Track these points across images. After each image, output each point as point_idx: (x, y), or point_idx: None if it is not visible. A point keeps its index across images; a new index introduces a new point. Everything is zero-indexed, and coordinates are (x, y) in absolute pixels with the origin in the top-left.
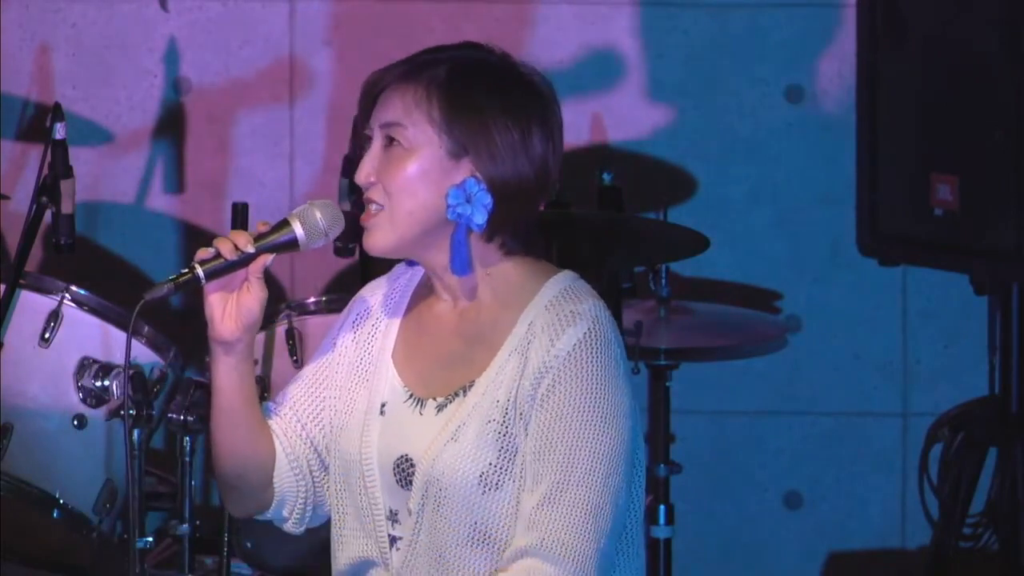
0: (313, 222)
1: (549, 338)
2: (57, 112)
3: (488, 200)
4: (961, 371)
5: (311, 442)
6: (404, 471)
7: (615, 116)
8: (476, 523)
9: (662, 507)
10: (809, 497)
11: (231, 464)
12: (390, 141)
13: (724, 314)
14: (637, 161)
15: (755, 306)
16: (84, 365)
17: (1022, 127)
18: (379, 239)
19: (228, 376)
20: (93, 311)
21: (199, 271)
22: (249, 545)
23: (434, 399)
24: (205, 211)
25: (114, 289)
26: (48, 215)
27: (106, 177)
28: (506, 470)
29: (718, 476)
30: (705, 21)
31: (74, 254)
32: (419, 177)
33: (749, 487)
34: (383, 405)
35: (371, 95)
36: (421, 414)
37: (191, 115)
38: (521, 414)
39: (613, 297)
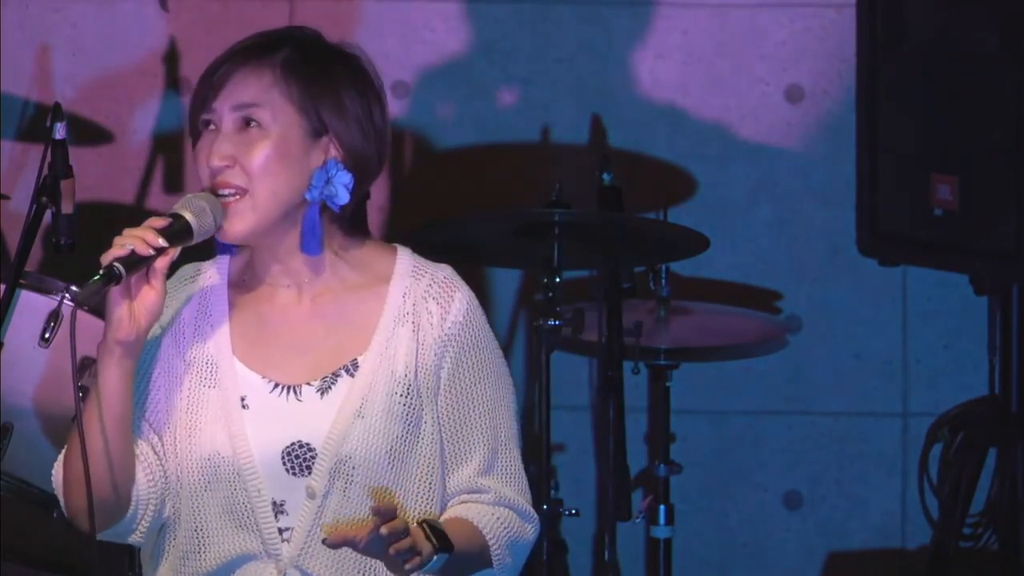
0: (200, 209)
1: (439, 306)
2: (57, 112)
3: (348, 179)
4: (961, 371)
5: (154, 449)
6: (299, 458)
7: (615, 116)
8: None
9: (662, 507)
10: (809, 497)
11: (119, 474)
12: (246, 123)
13: (724, 314)
14: (637, 161)
15: (755, 306)
16: (84, 365)
17: (1022, 127)
18: (241, 225)
19: (124, 380)
20: (93, 311)
21: (121, 268)
22: None
23: (308, 384)
24: None
25: None
26: (48, 215)
27: (106, 177)
28: (411, 442)
29: (718, 476)
30: (705, 21)
31: (74, 254)
32: (281, 158)
33: (749, 487)
34: (243, 400)
35: (212, 83)
36: (300, 400)
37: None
38: (428, 387)
39: (613, 297)
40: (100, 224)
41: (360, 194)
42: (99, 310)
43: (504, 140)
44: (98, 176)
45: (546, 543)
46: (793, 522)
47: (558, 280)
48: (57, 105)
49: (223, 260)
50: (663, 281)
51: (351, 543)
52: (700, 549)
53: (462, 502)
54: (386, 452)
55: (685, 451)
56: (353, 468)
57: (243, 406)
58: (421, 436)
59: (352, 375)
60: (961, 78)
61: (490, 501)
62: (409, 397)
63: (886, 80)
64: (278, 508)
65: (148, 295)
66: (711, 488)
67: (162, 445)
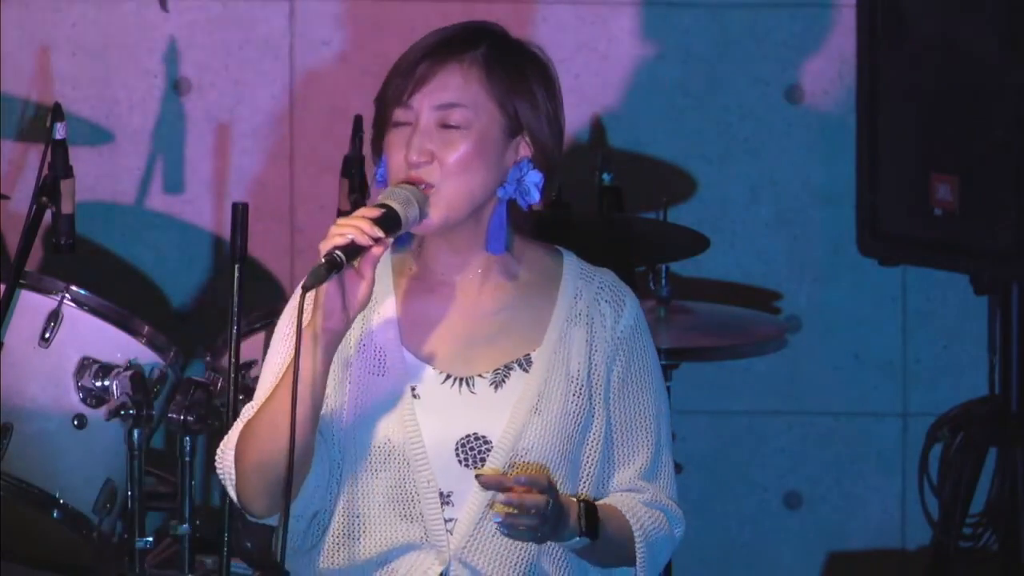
0: (406, 200)
1: (613, 309)
2: (57, 112)
3: (539, 178)
4: (961, 371)
5: (323, 435)
6: (474, 450)
7: (615, 116)
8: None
9: None
10: (809, 497)
11: (300, 461)
12: (447, 121)
13: (724, 314)
14: (637, 161)
15: (755, 306)
16: (84, 365)
17: (1022, 127)
18: (436, 216)
19: (323, 369)
20: (93, 311)
21: (342, 257)
22: (249, 545)
23: (481, 376)
24: (205, 211)
25: (114, 289)
26: (48, 215)
27: (106, 177)
28: (580, 442)
29: (718, 476)
30: (705, 21)
31: (74, 254)
32: (479, 156)
33: (749, 487)
34: (413, 389)
35: (412, 78)
36: (473, 392)
37: (191, 115)
38: (599, 388)
39: None
40: (100, 224)
41: (546, 193)
42: (98, 310)
43: None
44: (98, 176)
45: None
46: (793, 522)
47: None
48: (57, 105)
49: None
50: (663, 281)
51: (502, 486)
52: (700, 549)
53: (620, 494)
54: (559, 450)
55: (685, 451)
56: (528, 464)
57: (414, 395)
58: (589, 436)
59: (526, 370)
60: (961, 78)
61: (646, 501)
62: (581, 397)
63: (886, 80)
64: (444, 499)
65: (359, 285)
66: (711, 488)
67: (331, 431)
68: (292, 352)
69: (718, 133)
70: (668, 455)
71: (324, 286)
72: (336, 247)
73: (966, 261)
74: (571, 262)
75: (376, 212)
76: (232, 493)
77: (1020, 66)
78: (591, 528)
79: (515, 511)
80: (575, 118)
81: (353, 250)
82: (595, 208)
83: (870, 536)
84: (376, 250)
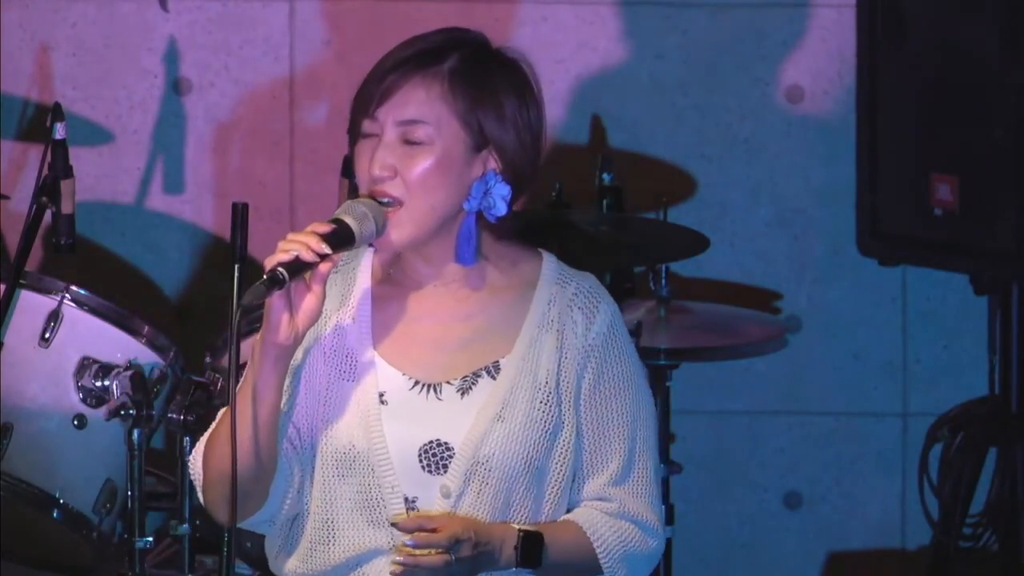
0: (362, 215)
1: (584, 316)
2: (57, 112)
3: (507, 191)
4: (961, 371)
5: (291, 441)
6: (436, 456)
7: (615, 116)
8: (512, 502)
9: (662, 507)
10: (809, 497)
11: (263, 468)
12: (409, 137)
13: (724, 314)
14: (637, 161)
15: (755, 306)
16: (84, 365)
17: (1022, 127)
18: (398, 236)
19: (278, 380)
20: (93, 311)
21: (284, 274)
22: (249, 545)
23: (448, 383)
24: (205, 211)
25: (114, 289)
26: (48, 215)
27: (106, 177)
28: (547, 450)
29: (718, 476)
30: (705, 21)
31: (74, 254)
32: (442, 172)
33: (749, 487)
34: (381, 395)
35: (378, 91)
36: (440, 399)
37: (191, 115)
38: (568, 396)
39: (613, 297)
40: (100, 224)
41: (517, 199)
42: (98, 310)
43: None
44: (98, 176)
45: None
46: (793, 522)
47: None
48: (57, 105)
49: (367, 252)
50: (663, 281)
51: (421, 529)
52: (700, 549)
53: (585, 507)
54: (523, 457)
55: (685, 451)
56: (489, 471)
57: (381, 401)
58: (558, 445)
59: (493, 377)
60: (961, 78)
61: (613, 512)
62: (549, 405)
63: (886, 80)
64: (409, 504)
65: (308, 300)
66: (711, 488)
67: (299, 437)
68: (249, 365)
69: (718, 133)
70: (647, 462)
71: (269, 300)
72: (280, 263)
73: (966, 261)
74: (549, 267)
75: (326, 228)
76: (201, 498)
77: (1020, 66)
78: (529, 558)
79: (413, 567)
80: (575, 118)
81: (298, 266)
82: (595, 208)
83: (870, 536)
84: (323, 267)
